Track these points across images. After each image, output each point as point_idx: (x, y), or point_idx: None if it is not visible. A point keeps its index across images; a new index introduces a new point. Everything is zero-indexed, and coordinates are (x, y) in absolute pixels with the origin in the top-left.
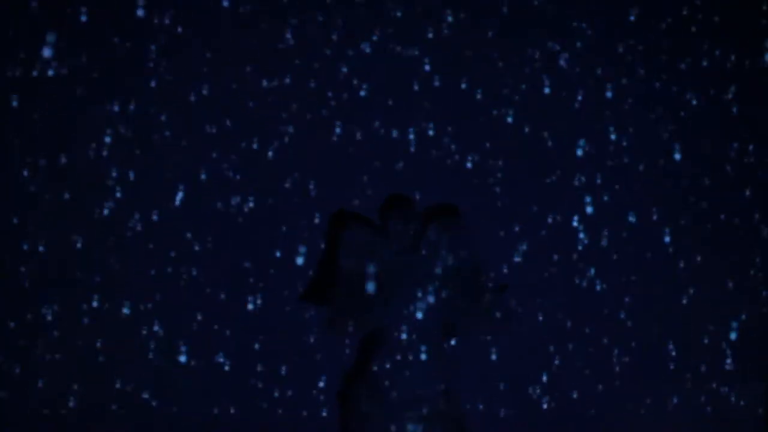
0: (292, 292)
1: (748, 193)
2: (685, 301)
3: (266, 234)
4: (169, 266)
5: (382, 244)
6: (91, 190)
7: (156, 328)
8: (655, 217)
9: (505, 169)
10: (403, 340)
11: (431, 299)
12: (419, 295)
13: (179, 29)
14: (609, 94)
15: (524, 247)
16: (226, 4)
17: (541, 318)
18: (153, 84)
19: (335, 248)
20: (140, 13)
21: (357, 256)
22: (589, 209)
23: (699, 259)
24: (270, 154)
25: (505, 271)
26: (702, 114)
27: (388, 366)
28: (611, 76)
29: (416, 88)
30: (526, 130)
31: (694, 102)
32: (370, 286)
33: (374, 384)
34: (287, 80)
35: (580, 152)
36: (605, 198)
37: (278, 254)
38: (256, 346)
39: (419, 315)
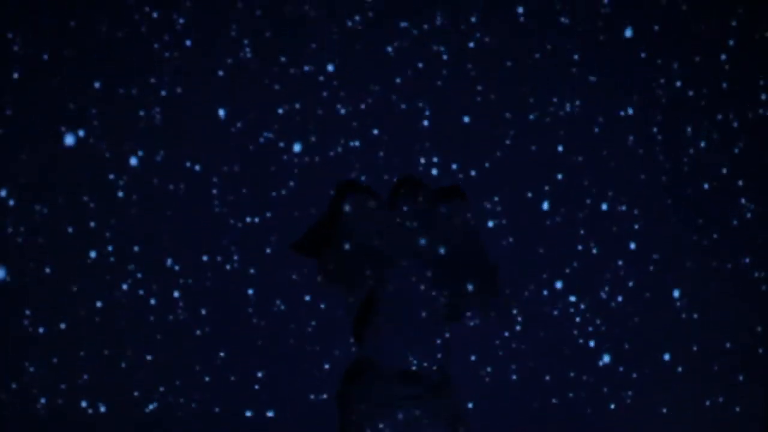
0: (292, 292)
1: (747, 195)
2: (684, 301)
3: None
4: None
5: (386, 217)
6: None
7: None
8: (653, 219)
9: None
10: (400, 316)
11: (431, 278)
12: (419, 272)
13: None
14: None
15: (520, 246)
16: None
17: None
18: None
19: (338, 214)
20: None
21: (359, 225)
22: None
23: (699, 261)
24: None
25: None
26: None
27: (385, 349)
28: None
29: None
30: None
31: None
32: (369, 257)
33: (373, 381)
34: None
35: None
36: (607, 195)
37: (268, 251)
38: (255, 345)
39: (418, 292)
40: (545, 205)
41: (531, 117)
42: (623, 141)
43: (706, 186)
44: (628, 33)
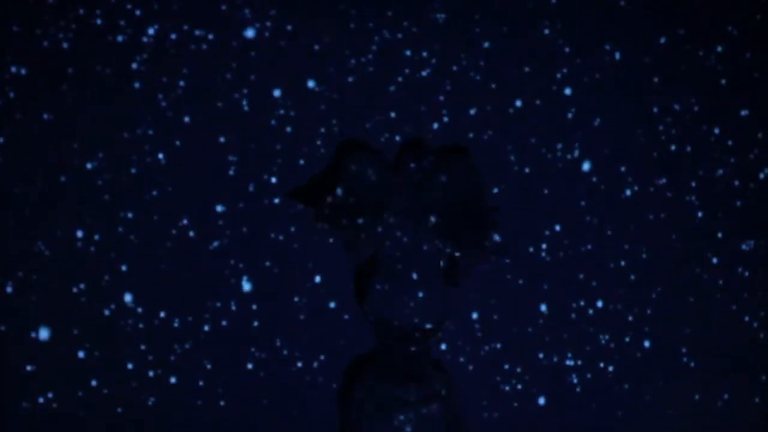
0: (292, 291)
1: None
2: (685, 300)
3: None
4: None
5: (388, 173)
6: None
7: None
8: (662, 216)
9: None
10: (401, 269)
11: (432, 233)
12: (420, 228)
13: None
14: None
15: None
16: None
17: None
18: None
19: (338, 168)
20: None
21: (359, 180)
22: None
23: (701, 260)
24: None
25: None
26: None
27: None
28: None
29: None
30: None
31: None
32: (369, 211)
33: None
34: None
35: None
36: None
37: (274, 246)
38: (254, 344)
39: (417, 246)
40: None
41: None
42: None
43: (720, 171)
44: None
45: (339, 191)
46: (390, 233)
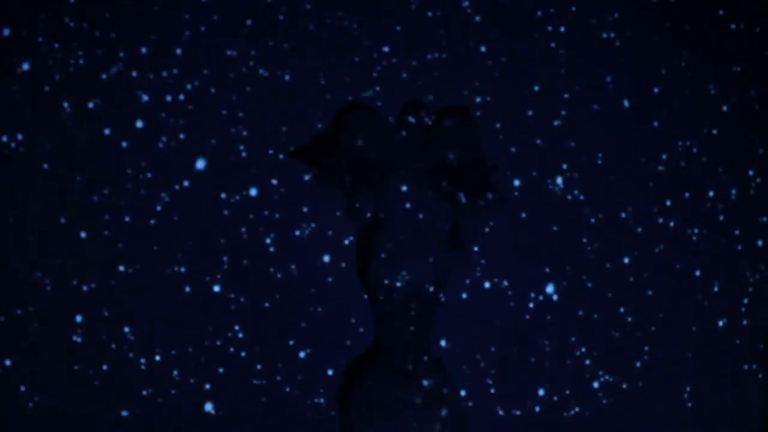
0: (292, 290)
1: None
2: (683, 299)
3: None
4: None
5: (389, 131)
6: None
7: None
8: (660, 220)
9: None
10: (403, 234)
11: (433, 191)
12: (420, 187)
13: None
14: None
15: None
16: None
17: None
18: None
19: (339, 127)
20: None
21: (360, 137)
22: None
23: (702, 259)
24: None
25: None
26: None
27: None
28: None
29: None
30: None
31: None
32: (370, 168)
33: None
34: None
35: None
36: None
37: (272, 250)
38: (254, 344)
39: (419, 206)
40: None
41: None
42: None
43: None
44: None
45: (340, 150)
46: (391, 194)
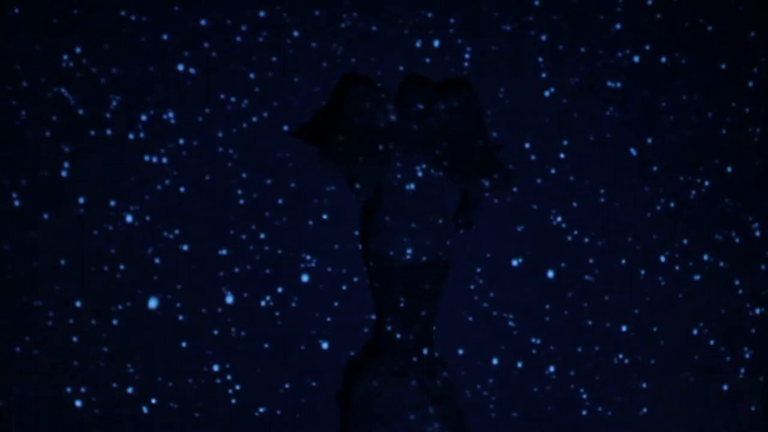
0: (291, 289)
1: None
2: (683, 298)
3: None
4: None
5: (390, 105)
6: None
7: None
8: (662, 215)
9: None
10: (406, 206)
11: (433, 165)
12: (421, 159)
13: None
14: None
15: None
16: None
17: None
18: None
19: (342, 101)
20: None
21: (363, 111)
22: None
23: (703, 257)
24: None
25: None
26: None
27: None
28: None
29: None
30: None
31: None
32: (372, 142)
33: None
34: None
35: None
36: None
37: (279, 251)
38: (255, 345)
39: (422, 179)
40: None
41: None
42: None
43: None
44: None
45: (343, 124)
46: (394, 166)
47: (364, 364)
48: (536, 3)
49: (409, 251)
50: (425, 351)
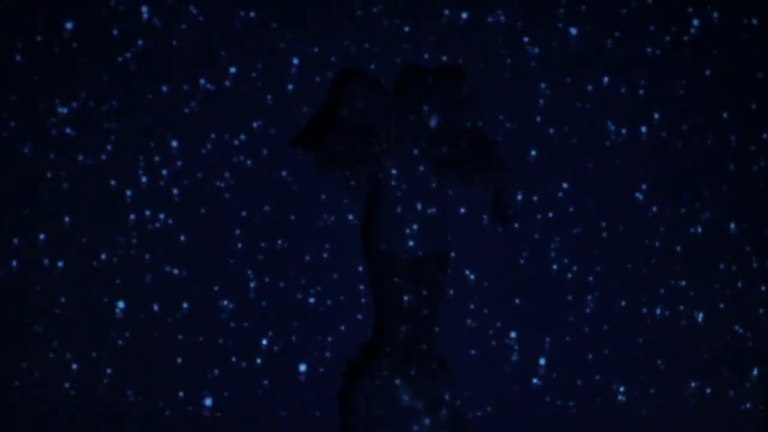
0: (291, 291)
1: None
2: (683, 298)
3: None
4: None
5: (386, 100)
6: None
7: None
8: (668, 213)
9: None
10: (405, 202)
11: (428, 158)
12: (416, 152)
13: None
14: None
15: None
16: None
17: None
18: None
19: (337, 98)
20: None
21: (357, 106)
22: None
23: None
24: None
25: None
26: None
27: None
28: None
29: None
30: None
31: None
32: (368, 138)
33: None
34: None
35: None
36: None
37: (281, 243)
38: (255, 345)
39: (419, 175)
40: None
41: None
42: None
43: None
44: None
45: (340, 125)
46: (393, 165)
47: (364, 364)
48: (534, 51)
49: (410, 248)
50: (426, 351)
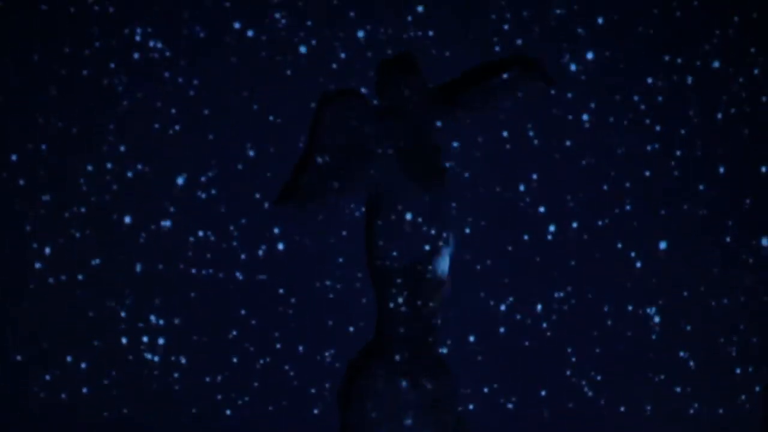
0: (291, 286)
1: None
2: (683, 300)
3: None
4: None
5: (370, 117)
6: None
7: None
8: (661, 214)
9: None
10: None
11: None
12: (411, 154)
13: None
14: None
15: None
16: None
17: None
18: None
19: (314, 133)
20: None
21: (339, 130)
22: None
23: (697, 258)
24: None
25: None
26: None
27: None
28: None
29: None
30: None
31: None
32: (351, 159)
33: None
34: None
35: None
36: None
37: (281, 246)
38: (255, 345)
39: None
40: None
41: None
42: None
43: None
44: None
45: (315, 165)
46: (382, 171)
47: (364, 364)
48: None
49: (411, 249)
50: (426, 351)
